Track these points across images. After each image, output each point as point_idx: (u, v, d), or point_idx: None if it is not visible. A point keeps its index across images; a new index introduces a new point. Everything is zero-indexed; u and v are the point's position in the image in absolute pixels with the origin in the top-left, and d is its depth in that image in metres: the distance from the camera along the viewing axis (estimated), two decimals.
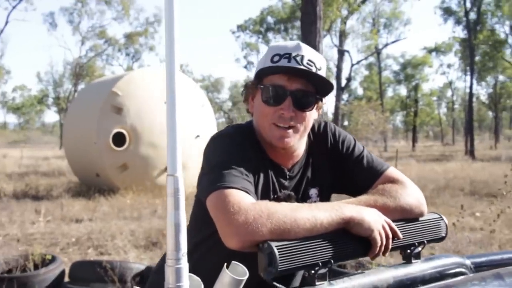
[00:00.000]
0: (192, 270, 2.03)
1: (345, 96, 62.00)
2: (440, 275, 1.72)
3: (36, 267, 5.73)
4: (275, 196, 1.95)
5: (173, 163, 1.17)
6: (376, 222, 1.63)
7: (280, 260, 1.43)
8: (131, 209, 12.12)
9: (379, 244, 1.62)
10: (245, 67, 64.03)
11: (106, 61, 62.24)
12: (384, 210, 1.73)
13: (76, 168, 17.47)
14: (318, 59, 1.92)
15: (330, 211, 1.60)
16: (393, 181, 1.91)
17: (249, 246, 1.52)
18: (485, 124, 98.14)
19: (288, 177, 2.01)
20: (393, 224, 1.67)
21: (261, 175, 1.91)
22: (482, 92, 71.67)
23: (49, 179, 20.65)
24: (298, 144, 1.99)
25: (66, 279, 5.72)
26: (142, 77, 15.99)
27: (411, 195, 1.84)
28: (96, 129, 14.89)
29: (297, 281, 2.00)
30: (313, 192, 2.06)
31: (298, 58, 1.87)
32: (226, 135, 1.94)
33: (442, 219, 1.83)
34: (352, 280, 1.55)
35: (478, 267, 1.83)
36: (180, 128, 1.18)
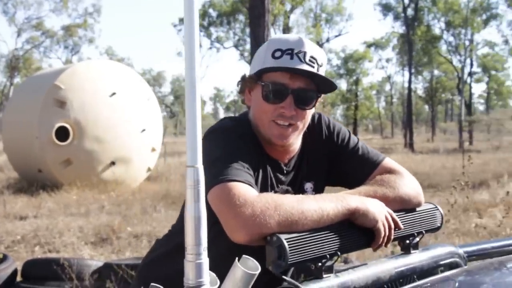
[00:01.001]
0: (179, 275, 1.99)
1: None
2: (437, 265, 1.73)
3: None
4: (273, 191, 1.91)
5: (193, 153, 1.12)
6: (380, 213, 1.61)
7: (290, 252, 1.39)
8: (78, 205, 11.88)
9: (382, 235, 1.61)
10: None
11: (44, 53, 61.07)
12: (384, 200, 1.71)
13: (16, 163, 17.00)
14: (320, 55, 1.87)
15: (335, 202, 1.58)
16: (390, 171, 1.90)
17: (257, 239, 1.48)
18: (421, 117, 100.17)
19: (285, 172, 1.98)
20: (394, 215, 1.66)
21: (260, 170, 1.88)
22: (419, 86, 73.21)
23: None
24: (296, 140, 1.96)
25: (19, 278, 5.55)
26: (86, 70, 15.69)
27: (409, 185, 1.84)
28: (38, 123, 14.54)
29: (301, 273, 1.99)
30: (308, 186, 2.03)
31: (301, 55, 1.82)
32: (225, 129, 1.89)
33: (438, 209, 1.83)
34: (357, 271, 1.53)
35: (470, 256, 1.85)
36: (200, 123, 1.12)
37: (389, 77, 77.40)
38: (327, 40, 58.98)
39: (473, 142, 48.22)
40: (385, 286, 1.63)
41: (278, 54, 1.83)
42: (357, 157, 2.00)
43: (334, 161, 2.05)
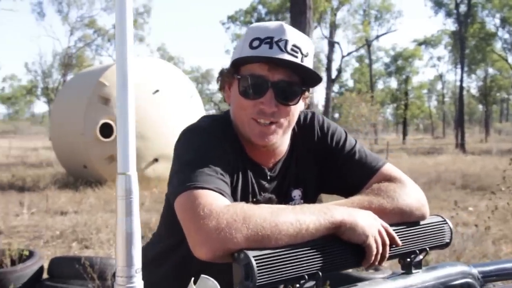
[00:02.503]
0: (162, 283, 1.82)
1: (335, 88, 61.96)
2: (444, 287, 1.51)
3: (13, 263, 5.49)
4: (254, 199, 1.71)
5: (125, 158, 0.95)
6: (371, 226, 1.39)
7: (259, 272, 1.19)
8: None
9: (374, 252, 1.38)
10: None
11: (96, 51, 61.97)
12: (380, 212, 1.49)
13: (63, 159, 17.23)
14: (305, 44, 1.65)
15: (317, 214, 1.36)
16: (390, 179, 1.67)
17: (222, 256, 1.28)
18: (475, 117, 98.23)
19: (269, 177, 1.78)
20: (390, 229, 1.44)
21: (240, 176, 1.68)
22: (472, 85, 71.89)
23: (37, 170, 20.44)
24: (281, 140, 1.75)
25: (46, 275, 5.49)
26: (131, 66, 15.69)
27: (410, 195, 1.60)
28: (83, 120, 14.68)
29: None
30: (296, 193, 1.82)
31: (281, 44, 1.60)
32: (199, 129, 1.69)
33: (446, 223, 1.59)
34: None
35: (486, 277, 1.61)
36: (133, 126, 1.01)
37: (440, 76, 76.32)
38: (376, 38, 58.34)
39: None
40: None
41: (256, 43, 1.63)
42: (354, 162, 1.77)
43: (327, 166, 1.82)
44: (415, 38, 71.74)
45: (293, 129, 1.80)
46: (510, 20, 51.08)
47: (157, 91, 15.35)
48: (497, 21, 52.92)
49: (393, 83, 67.96)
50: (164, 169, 15.31)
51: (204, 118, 1.80)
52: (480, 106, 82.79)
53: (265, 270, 1.21)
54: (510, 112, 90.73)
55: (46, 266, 5.60)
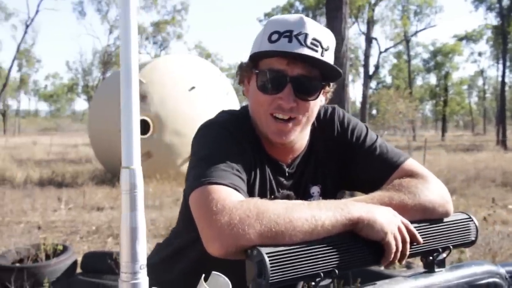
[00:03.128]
0: (180, 279, 1.80)
1: (373, 84, 61.48)
2: (468, 286, 1.45)
3: (48, 257, 5.57)
4: (272, 196, 1.66)
5: (129, 153, 0.94)
6: (391, 223, 1.33)
7: (272, 270, 1.15)
8: (154, 197, 11.96)
9: (393, 250, 1.33)
10: None
11: None
12: (402, 208, 1.43)
13: (101, 156, 17.41)
14: (325, 37, 1.60)
15: (333, 210, 1.31)
16: (412, 174, 1.60)
17: (234, 252, 1.24)
18: None
19: (287, 174, 1.73)
20: (411, 226, 1.38)
21: (257, 173, 1.64)
22: None
23: (76, 166, 20.73)
24: (300, 137, 1.70)
25: (79, 270, 5.55)
26: (166, 64, 15.85)
27: (433, 191, 1.53)
28: (120, 116, 14.71)
29: None
30: (315, 190, 1.77)
31: (301, 37, 1.55)
32: (216, 124, 1.65)
33: (472, 220, 1.53)
34: None
35: None
36: (137, 119, 1.02)
37: (482, 71, 75.25)
38: (415, 33, 57.74)
39: None
40: None
41: (275, 37, 1.57)
42: (374, 157, 1.71)
43: (347, 162, 1.76)
44: (455, 34, 70.84)
45: (313, 124, 1.75)
46: None
47: (193, 88, 15.40)
48: None
49: (432, 79, 67.28)
50: None
51: (221, 114, 1.75)
52: None
53: (279, 267, 1.18)
54: None
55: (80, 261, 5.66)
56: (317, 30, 1.60)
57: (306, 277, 1.22)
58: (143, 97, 14.86)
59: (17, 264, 5.44)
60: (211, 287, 1.10)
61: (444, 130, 63.08)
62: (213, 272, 1.15)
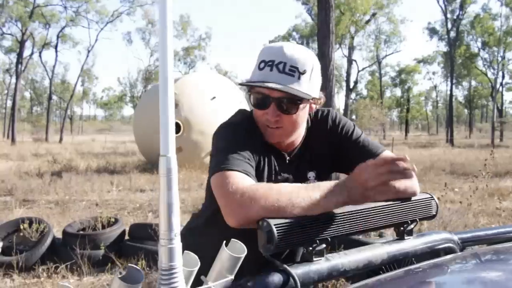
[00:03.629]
0: (208, 242, 1.77)
1: (353, 96, 61.27)
2: (431, 250, 1.42)
3: (103, 227, 5.56)
4: (278, 178, 1.65)
5: (165, 143, 0.91)
6: (377, 174, 1.34)
7: (278, 237, 1.13)
8: (183, 182, 11.94)
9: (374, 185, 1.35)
10: None
11: None
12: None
13: (144, 150, 17.42)
14: (302, 62, 1.56)
15: (326, 191, 1.28)
16: None
17: (246, 223, 1.25)
18: (461, 119, 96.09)
19: (287, 161, 1.70)
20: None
21: (265, 160, 1.63)
22: (459, 94, 70.63)
23: (124, 158, 20.77)
24: (293, 137, 1.69)
25: (127, 237, 5.54)
26: (193, 79, 15.87)
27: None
28: (158, 120, 14.75)
29: (298, 256, 1.73)
30: (311, 174, 1.74)
31: (280, 66, 1.53)
32: (232, 124, 1.65)
33: (433, 199, 1.49)
34: (348, 255, 1.26)
35: (464, 242, 1.51)
36: (172, 118, 0.98)
37: (435, 87, 75.71)
38: (385, 57, 57.59)
39: (503, 139, 45.74)
40: (385, 268, 1.36)
41: (262, 65, 1.57)
42: (359, 148, 1.69)
43: (338, 151, 1.73)
44: (415, 57, 70.85)
45: (311, 121, 1.75)
46: (489, 44, 49.97)
47: (214, 97, 15.39)
48: (479, 44, 51.94)
49: (398, 92, 66.99)
50: None
51: (237, 114, 1.75)
52: (466, 110, 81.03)
53: (284, 235, 1.15)
54: (489, 115, 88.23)
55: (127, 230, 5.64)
56: (295, 57, 1.56)
57: (305, 243, 1.20)
58: (175, 105, 14.82)
59: (81, 232, 5.43)
60: (231, 251, 1.07)
61: (407, 131, 63.25)
62: (232, 239, 1.12)
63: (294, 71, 1.54)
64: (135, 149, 23.23)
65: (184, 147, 14.74)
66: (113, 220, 5.66)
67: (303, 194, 1.26)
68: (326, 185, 1.32)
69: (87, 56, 49.70)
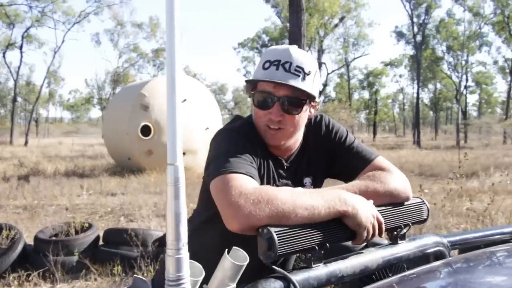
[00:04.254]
0: (200, 251, 1.75)
1: (321, 98, 61.87)
2: (422, 254, 1.44)
3: (77, 232, 5.44)
4: (275, 185, 1.63)
5: (173, 152, 0.88)
6: (367, 220, 1.31)
7: (279, 245, 1.13)
8: (155, 185, 11.81)
9: (363, 239, 1.32)
10: (244, 75, 64.01)
11: (138, 70, 61.86)
12: (375, 194, 1.43)
13: (112, 153, 17.23)
14: (307, 64, 1.58)
15: (329, 202, 1.29)
16: (381, 168, 1.59)
17: (248, 229, 1.22)
18: (427, 121, 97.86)
19: (285, 167, 1.70)
20: (381, 218, 1.36)
21: (263, 166, 1.61)
22: (425, 96, 71.99)
23: (93, 161, 20.43)
24: (292, 140, 1.68)
25: (101, 242, 5.43)
26: (164, 82, 15.59)
27: (398, 181, 1.52)
28: (128, 122, 14.68)
29: (290, 263, 1.73)
30: (307, 180, 1.74)
31: (286, 66, 1.54)
32: (232, 129, 1.63)
33: (424, 203, 1.52)
34: (345, 261, 1.26)
35: (453, 245, 1.54)
36: (181, 120, 0.93)
37: (402, 89, 77.01)
38: (353, 60, 58.31)
39: (467, 141, 46.80)
40: (377, 274, 1.37)
41: (267, 65, 1.58)
42: (353, 154, 1.70)
43: (331, 157, 1.74)
44: (383, 60, 72.06)
45: (306, 127, 1.73)
46: (454, 48, 51.18)
47: (184, 100, 15.30)
48: (444, 48, 53.10)
49: (366, 94, 67.73)
50: (190, 160, 15.29)
51: (236, 120, 1.74)
52: (431, 112, 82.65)
53: (284, 243, 1.15)
54: (453, 117, 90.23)
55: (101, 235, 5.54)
56: (300, 58, 1.58)
57: (304, 250, 1.20)
58: (146, 107, 14.72)
59: (53, 238, 5.30)
60: (232, 259, 1.06)
61: (374, 133, 63.90)
62: (234, 247, 1.11)
63: (299, 71, 1.56)
64: (104, 152, 22.90)
65: (154, 150, 14.62)
66: (86, 225, 5.54)
67: (307, 204, 1.26)
68: (329, 195, 1.32)
69: (54, 57, 48.59)
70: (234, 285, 1.08)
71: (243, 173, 1.36)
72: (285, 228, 1.18)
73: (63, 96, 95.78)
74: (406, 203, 1.49)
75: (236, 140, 1.54)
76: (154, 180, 12.68)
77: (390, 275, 1.50)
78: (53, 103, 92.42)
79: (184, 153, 15.30)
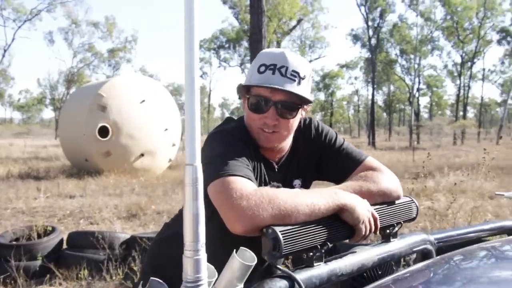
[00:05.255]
0: (174, 254, 1.73)
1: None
2: (412, 251, 1.48)
3: (39, 236, 5.27)
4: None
5: (192, 152, 0.87)
6: (364, 214, 1.34)
7: (284, 244, 1.14)
8: (114, 187, 11.60)
9: (362, 234, 1.35)
10: (201, 76, 63.77)
11: (93, 70, 60.64)
12: (368, 194, 1.45)
13: (69, 154, 16.75)
14: (302, 68, 1.58)
15: (327, 198, 1.31)
16: (372, 168, 1.62)
17: (252, 230, 1.22)
18: (381, 122, 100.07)
19: (276, 169, 1.71)
20: (376, 215, 1.39)
21: (257, 169, 1.61)
22: (379, 98, 73.57)
23: (47, 163, 19.80)
24: (285, 142, 1.69)
25: (65, 246, 5.29)
26: (122, 82, 15.46)
27: (390, 180, 1.55)
28: (85, 123, 14.32)
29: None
30: (297, 182, 1.75)
31: (283, 70, 1.54)
32: (225, 131, 1.61)
33: (413, 202, 1.56)
34: (344, 259, 1.29)
35: (439, 242, 1.60)
36: (199, 126, 0.88)
37: (357, 91, 78.08)
38: (310, 62, 58.98)
39: (420, 142, 48.15)
40: (368, 272, 1.40)
41: (262, 69, 1.56)
42: (343, 155, 1.72)
43: (321, 159, 1.76)
44: (339, 62, 73.21)
45: (296, 130, 1.73)
46: (407, 51, 52.49)
47: (143, 101, 15.10)
48: (398, 52, 54.38)
49: (322, 96, 68.60)
50: (148, 161, 15.12)
51: (228, 122, 1.73)
52: (385, 114, 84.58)
53: (289, 242, 1.16)
54: (406, 119, 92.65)
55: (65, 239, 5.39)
56: (296, 62, 1.58)
57: (307, 249, 1.21)
58: (103, 108, 14.43)
59: (14, 242, 5.12)
60: (241, 258, 1.06)
61: None
62: (241, 247, 1.11)
63: (295, 76, 1.55)
64: (58, 153, 22.32)
65: (113, 151, 14.36)
66: (50, 228, 5.37)
67: (307, 201, 1.27)
68: (326, 192, 1.35)
69: (3, 56, 47.21)
70: (242, 285, 1.07)
71: (242, 176, 1.36)
72: (289, 228, 1.19)
73: (13, 96, 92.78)
74: (397, 202, 1.52)
75: (232, 143, 1.53)
76: (113, 182, 12.45)
77: (379, 272, 1.54)
78: (2, 103, 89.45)
79: (142, 155, 15.17)
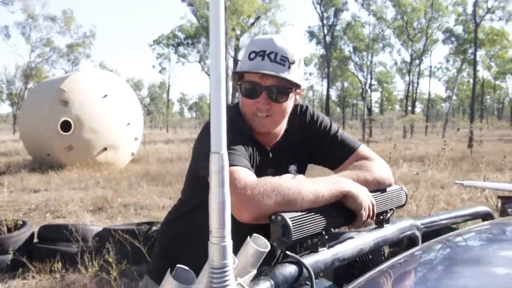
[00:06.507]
0: (188, 234, 1.73)
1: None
2: (402, 236, 1.52)
3: (9, 230, 5.09)
4: (264, 174, 1.65)
5: (218, 141, 0.86)
6: (366, 201, 1.36)
7: (294, 230, 1.14)
8: (79, 181, 11.33)
9: (363, 220, 1.36)
10: (160, 71, 62.99)
11: (51, 65, 58.80)
12: (365, 182, 1.46)
13: (30, 149, 16.23)
14: (292, 53, 1.57)
15: (330, 185, 1.32)
16: (366, 157, 1.65)
17: (259, 218, 1.22)
18: (334, 117, 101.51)
19: (271, 155, 1.70)
20: (374, 201, 1.41)
21: (252, 155, 1.61)
22: (333, 93, 74.74)
23: (7, 158, 19.12)
24: (279, 127, 1.69)
25: (36, 240, 5.13)
26: (84, 77, 15.08)
27: (382, 169, 1.58)
28: (47, 118, 13.90)
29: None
30: (292, 168, 1.75)
31: (272, 56, 1.54)
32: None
33: (403, 189, 1.60)
34: (345, 244, 1.30)
35: (425, 227, 1.64)
36: (225, 114, 0.88)
37: (311, 87, 78.82)
38: None
39: (372, 135, 49.11)
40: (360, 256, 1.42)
41: (252, 56, 1.57)
42: (337, 143, 1.74)
43: (316, 145, 1.77)
44: None
45: (290, 116, 1.73)
46: (360, 48, 53.29)
47: (106, 95, 14.79)
48: (351, 49, 55.17)
49: None
50: (111, 155, 14.85)
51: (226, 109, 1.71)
52: (338, 109, 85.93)
53: (297, 228, 1.16)
54: (359, 113, 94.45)
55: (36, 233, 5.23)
56: (285, 47, 1.57)
57: (314, 235, 1.22)
58: (65, 103, 14.05)
59: None
60: (255, 245, 1.05)
61: None
62: (254, 234, 1.10)
63: (284, 61, 1.55)
64: (18, 148, 21.58)
65: (75, 146, 14.03)
66: (20, 222, 5.19)
67: (311, 188, 1.28)
68: (329, 179, 1.37)
69: None
70: (255, 271, 1.07)
71: (242, 166, 1.36)
72: (298, 214, 1.19)
73: None
74: (388, 189, 1.55)
75: (230, 131, 1.51)
76: (77, 176, 12.16)
77: (370, 257, 1.57)
78: None
79: (105, 149, 14.88)
